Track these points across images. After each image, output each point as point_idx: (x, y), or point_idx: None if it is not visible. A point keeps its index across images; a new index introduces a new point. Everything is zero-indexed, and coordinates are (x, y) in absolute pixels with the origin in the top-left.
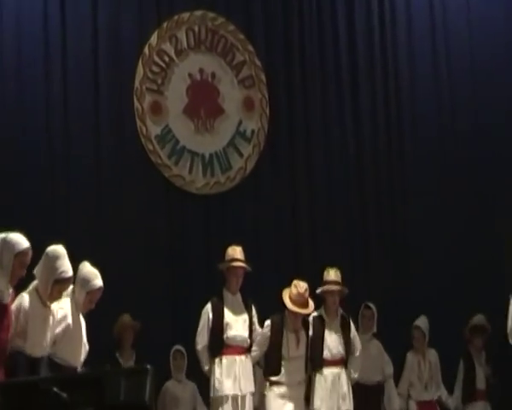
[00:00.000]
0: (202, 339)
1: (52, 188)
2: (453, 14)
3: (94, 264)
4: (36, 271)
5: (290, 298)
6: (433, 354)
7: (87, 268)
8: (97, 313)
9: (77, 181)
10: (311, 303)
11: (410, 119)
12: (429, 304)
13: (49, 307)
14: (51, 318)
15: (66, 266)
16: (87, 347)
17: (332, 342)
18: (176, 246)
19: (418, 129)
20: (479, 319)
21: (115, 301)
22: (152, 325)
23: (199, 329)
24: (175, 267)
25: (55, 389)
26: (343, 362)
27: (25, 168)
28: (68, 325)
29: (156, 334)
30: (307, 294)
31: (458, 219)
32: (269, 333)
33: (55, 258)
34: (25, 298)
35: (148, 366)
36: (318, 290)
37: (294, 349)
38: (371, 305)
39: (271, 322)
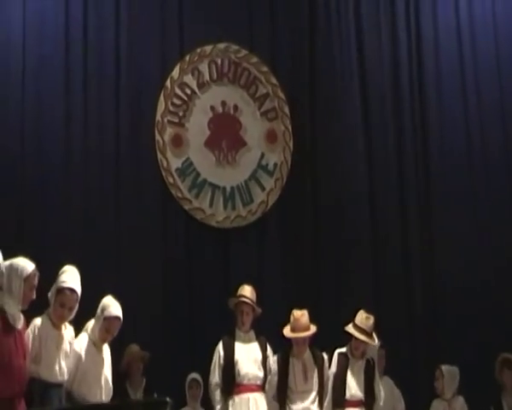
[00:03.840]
0: (214, 378)
1: (71, 219)
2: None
3: (113, 294)
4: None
5: (290, 328)
6: (459, 402)
7: (108, 297)
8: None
9: (96, 212)
10: (313, 327)
11: (437, 146)
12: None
13: (61, 330)
14: (65, 342)
15: (68, 278)
16: (110, 385)
17: (353, 383)
18: (195, 279)
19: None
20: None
21: (130, 331)
22: (167, 354)
23: (211, 367)
24: (193, 300)
25: None
26: (362, 405)
27: (44, 207)
28: (80, 357)
29: (169, 364)
30: (305, 318)
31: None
32: (276, 369)
33: (62, 272)
34: (37, 321)
35: (168, 399)
36: (346, 328)
37: (302, 383)
38: (382, 344)
39: (277, 357)
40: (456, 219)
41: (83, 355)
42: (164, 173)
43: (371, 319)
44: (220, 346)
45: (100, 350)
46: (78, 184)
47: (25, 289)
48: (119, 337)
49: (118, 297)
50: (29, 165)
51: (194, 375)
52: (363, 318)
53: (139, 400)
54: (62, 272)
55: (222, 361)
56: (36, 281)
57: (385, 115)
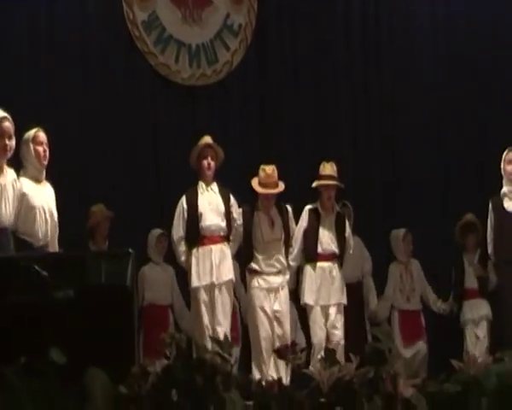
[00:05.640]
0: (177, 231)
1: (37, 73)
2: None
3: (78, 151)
4: None
5: (259, 183)
6: (415, 265)
7: None
8: (74, 202)
9: (62, 65)
10: (281, 184)
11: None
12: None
13: (4, 174)
14: (8, 184)
15: None
16: (56, 220)
17: (325, 237)
18: (159, 133)
19: None
20: (469, 216)
21: (94, 189)
22: (132, 213)
23: (174, 221)
24: (158, 153)
25: (36, 266)
26: (335, 258)
27: (10, 57)
28: (24, 194)
29: (131, 222)
30: (275, 174)
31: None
32: (241, 221)
33: None
34: None
35: (130, 250)
36: (314, 184)
37: (269, 233)
38: (348, 203)
39: (242, 210)
40: None
41: (25, 191)
42: (130, 26)
43: (334, 165)
44: (183, 199)
45: (41, 185)
46: (42, 39)
47: None
48: (81, 195)
49: (82, 154)
50: None
51: (161, 230)
52: (326, 166)
53: (102, 250)
54: None
55: (185, 214)
56: (6, 125)
57: None
